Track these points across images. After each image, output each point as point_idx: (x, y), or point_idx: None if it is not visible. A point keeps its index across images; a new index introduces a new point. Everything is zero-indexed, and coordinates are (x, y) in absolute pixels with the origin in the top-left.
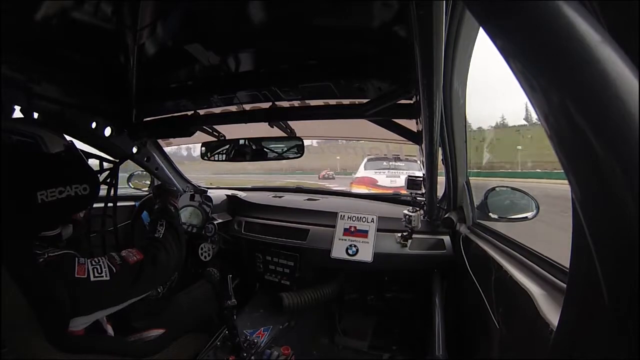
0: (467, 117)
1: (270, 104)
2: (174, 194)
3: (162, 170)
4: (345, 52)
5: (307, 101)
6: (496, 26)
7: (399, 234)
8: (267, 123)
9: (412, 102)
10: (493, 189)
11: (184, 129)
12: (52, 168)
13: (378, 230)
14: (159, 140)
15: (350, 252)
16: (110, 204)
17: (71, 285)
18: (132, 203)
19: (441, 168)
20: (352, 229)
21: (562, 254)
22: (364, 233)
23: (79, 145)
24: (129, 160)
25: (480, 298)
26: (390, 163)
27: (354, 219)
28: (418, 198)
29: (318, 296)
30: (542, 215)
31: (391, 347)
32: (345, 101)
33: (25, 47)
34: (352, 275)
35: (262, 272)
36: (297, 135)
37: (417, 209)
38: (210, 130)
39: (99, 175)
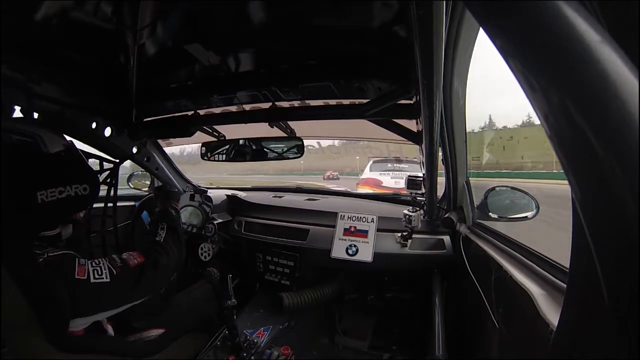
0: (490, 114)
1: (270, 104)
2: (175, 196)
3: (162, 170)
4: (345, 52)
5: (307, 101)
6: (496, 26)
7: (399, 234)
8: (267, 123)
9: (412, 102)
10: (493, 188)
11: (184, 129)
12: (52, 168)
13: (378, 230)
14: (159, 141)
15: (350, 252)
16: (110, 204)
17: (71, 286)
18: (132, 203)
19: (441, 168)
20: (352, 229)
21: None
22: (364, 233)
23: (79, 145)
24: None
25: (480, 298)
26: (395, 165)
27: (354, 219)
28: (418, 198)
29: (318, 296)
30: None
31: (391, 347)
32: (345, 101)
33: (25, 47)
34: (352, 275)
35: (262, 272)
36: (297, 135)
37: (417, 209)
38: (210, 131)
39: (99, 175)
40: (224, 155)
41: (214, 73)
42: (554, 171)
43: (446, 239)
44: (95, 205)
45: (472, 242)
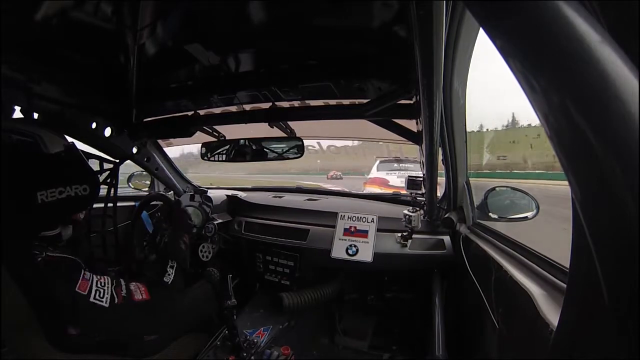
0: (513, 112)
1: (270, 104)
2: (188, 229)
3: (162, 170)
4: (345, 52)
5: (307, 101)
6: (496, 26)
7: (399, 234)
8: (267, 123)
9: (412, 102)
10: (493, 188)
11: (184, 129)
12: (52, 168)
13: (378, 230)
14: (159, 141)
15: (350, 252)
16: (110, 204)
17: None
18: (132, 203)
19: (441, 168)
20: (352, 229)
21: None
22: (364, 233)
23: (79, 145)
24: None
25: (480, 298)
26: (401, 165)
27: (354, 219)
28: (418, 198)
29: (318, 296)
30: None
31: (391, 347)
32: (345, 101)
33: (25, 47)
34: (352, 275)
35: (262, 272)
36: (297, 135)
37: (417, 209)
38: (210, 131)
39: (99, 175)
40: (224, 156)
41: (214, 73)
42: None
43: (446, 239)
44: (95, 206)
45: (472, 242)
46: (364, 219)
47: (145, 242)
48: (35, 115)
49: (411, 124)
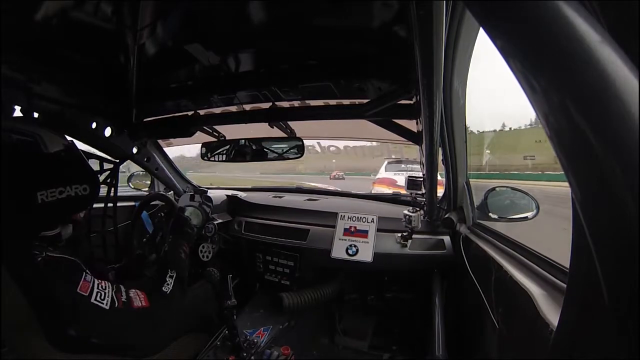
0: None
1: (270, 104)
2: (189, 238)
3: (162, 170)
4: (345, 52)
5: (307, 101)
6: (496, 26)
7: (399, 234)
8: (267, 123)
9: (412, 102)
10: (493, 189)
11: (184, 129)
12: (52, 168)
13: (378, 230)
14: (159, 141)
15: (350, 252)
16: (110, 204)
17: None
18: (132, 203)
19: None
20: (352, 229)
21: None
22: (364, 233)
23: (79, 145)
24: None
25: (480, 298)
26: (408, 166)
27: (354, 219)
28: (418, 198)
29: (318, 296)
30: None
31: (391, 347)
32: (345, 101)
33: (25, 47)
34: (352, 275)
35: (262, 272)
36: (297, 135)
37: (417, 209)
38: (210, 131)
39: (99, 175)
40: (224, 156)
41: (214, 73)
42: None
43: (446, 239)
44: (95, 206)
45: (472, 242)
46: (364, 219)
47: (145, 242)
48: (35, 115)
49: (411, 124)
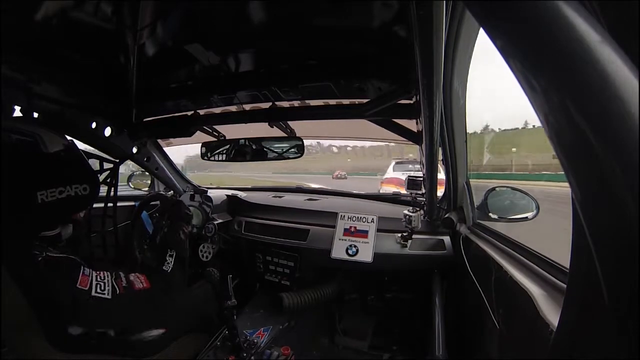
0: None
1: (270, 104)
2: (187, 219)
3: (162, 170)
4: (345, 52)
5: (307, 101)
6: (496, 26)
7: (399, 234)
8: (267, 123)
9: (412, 102)
10: (493, 189)
11: (184, 129)
12: (52, 168)
13: (378, 230)
14: (159, 141)
15: (350, 252)
16: (110, 204)
17: (72, 294)
18: (132, 203)
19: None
20: (352, 229)
21: None
22: (364, 233)
23: (79, 145)
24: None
25: (480, 298)
26: (415, 166)
27: (354, 219)
28: (418, 198)
29: (318, 296)
30: None
31: (391, 347)
32: (345, 101)
33: (25, 47)
34: (352, 276)
35: (262, 272)
36: (297, 135)
37: (417, 209)
38: (210, 131)
39: (99, 175)
40: (224, 155)
41: (214, 73)
42: None
43: (446, 239)
44: (95, 205)
45: (472, 243)
46: (364, 219)
47: (145, 242)
48: (35, 115)
49: (411, 124)
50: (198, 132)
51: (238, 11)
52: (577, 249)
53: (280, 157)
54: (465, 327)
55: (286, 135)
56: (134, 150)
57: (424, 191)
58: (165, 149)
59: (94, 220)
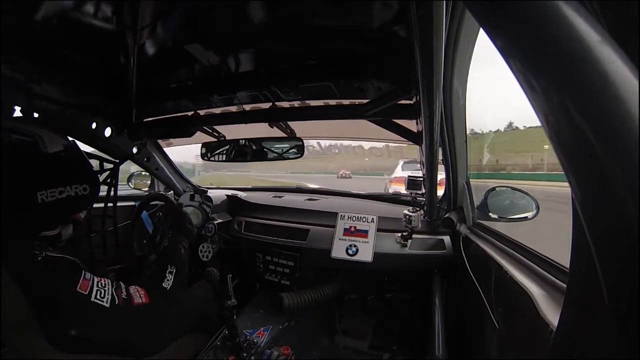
0: None
1: (271, 104)
2: (189, 234)
3: (162, 170)
4: (345, 52)
5: (307, 101)
6: (496, 26)
7: (399, 234)
8: (267, 123)
9: (412, 102)
10: (493, 189)
11: (184, 130)
12: (53, 168)
13: (378, 230)
14: (159, 141)
15: (350, 252)
16: (110, 204)
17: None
18: (132, 203)
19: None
20: (352, 229)
21: None
22: (364, 233)
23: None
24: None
25: (480, 298)
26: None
27: (354, 219)
28: (418, 198)
29: (318, 296)
30: None
31: (391, 347)
32: (345, 101)
33: (25, 47)
34: (352, 275)
35: (262, 272)
36: (297, 135)
37: (417, 209)
38: (210, 131)
39: (99, 175)
40: (224, 156)
41: (214, 73)
42: None
43: (446, 239)
44: (95, 205)
45: (472, 242)
46: (364, 219)
47: (145, 242)
48: (35, 115)
49: (411, 124)
50: (198, 132)
51: (238, 11)
52: (577, 249)
53: (280, 157)
54: (465, 327)
55: (286, 136)
56: (134, 150)
57: (424, 191)
58: (177, 148)
59: (94, 220)
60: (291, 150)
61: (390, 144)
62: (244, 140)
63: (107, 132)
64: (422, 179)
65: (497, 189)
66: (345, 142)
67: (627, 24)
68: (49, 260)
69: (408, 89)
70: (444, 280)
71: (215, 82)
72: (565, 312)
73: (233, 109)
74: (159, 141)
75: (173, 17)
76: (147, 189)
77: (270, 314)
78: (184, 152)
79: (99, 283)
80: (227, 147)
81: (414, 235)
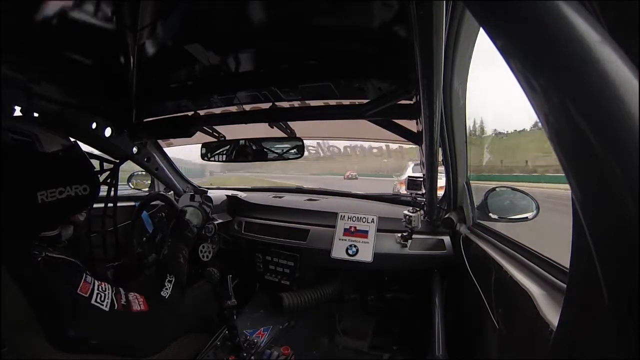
0: None
1: (271, 104)
2: (188, 242)
3: (162, 170)
4: (345, 52)
5: (307, 101)
6: (496, 26)
7: (399, 234)
8: (267, 123)
9: (412, 102)
10: (493, 189)
11: (184, 130)
12: (53, 168)
13: (378, 230)
14: (159, 141)
15: (350, 252)
16: (110, 204)
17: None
18: (132, 203)
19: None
20: (352, 229)
21: None
22: (364, 233)
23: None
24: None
25: (480, 298)
26: None
27: (354, 219)
28: (418, 198)
29: (318, 296)
30: None
31: (391, 347)
32: (345, 101)
33: (25, 47)
34: (352, 276)
35: (262, 272)
36: (297, 135)
37: (417, 209)
38: (211, 131)
39: (99, 175)
40: (224, 156)
41: (214, 73)
42: None
43: (446, 239)
44: (95, 206)
45: (472, 243)
46: (364, 219)
47: (145, 242)
48: (35, 115)
49: (411, 124)
50: (198, 132)
51: (238, 11)
52: (577, 249)
53: (281, 157)
54: (465, 327)
55: (286, 136)
56: (134, 150)
57: (424, 191)
58: (187, 148)
59: (94, 220)
60: (291, 151)
61: (403, 146)
62: (244, 141)
63: (107, 132)
64: (422, 179)
65: (497, 189)
66: (352, 145)
67: (627, 24)
68: (49, 260)
69: (408, 89)
70: (444, 281)
71: (215, 82)
72: (565, 312)
73: (233, 109)
74: (159, 141)
75: (173, 17)
76: (147, 189)
77: (270, 314)
78: (195, 152)
79: (100, 287)
80: (227, 147)
81: (414, 236)
